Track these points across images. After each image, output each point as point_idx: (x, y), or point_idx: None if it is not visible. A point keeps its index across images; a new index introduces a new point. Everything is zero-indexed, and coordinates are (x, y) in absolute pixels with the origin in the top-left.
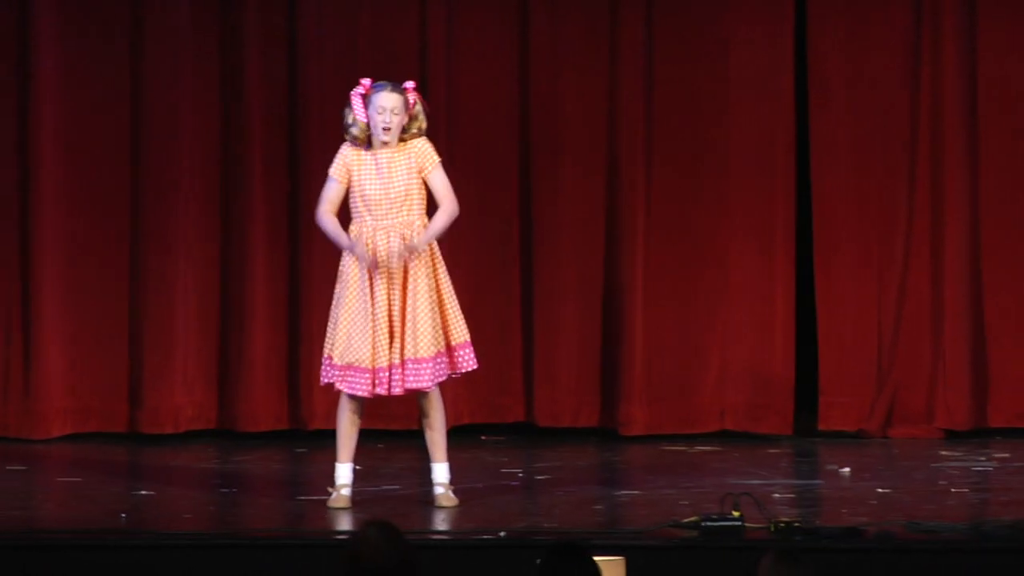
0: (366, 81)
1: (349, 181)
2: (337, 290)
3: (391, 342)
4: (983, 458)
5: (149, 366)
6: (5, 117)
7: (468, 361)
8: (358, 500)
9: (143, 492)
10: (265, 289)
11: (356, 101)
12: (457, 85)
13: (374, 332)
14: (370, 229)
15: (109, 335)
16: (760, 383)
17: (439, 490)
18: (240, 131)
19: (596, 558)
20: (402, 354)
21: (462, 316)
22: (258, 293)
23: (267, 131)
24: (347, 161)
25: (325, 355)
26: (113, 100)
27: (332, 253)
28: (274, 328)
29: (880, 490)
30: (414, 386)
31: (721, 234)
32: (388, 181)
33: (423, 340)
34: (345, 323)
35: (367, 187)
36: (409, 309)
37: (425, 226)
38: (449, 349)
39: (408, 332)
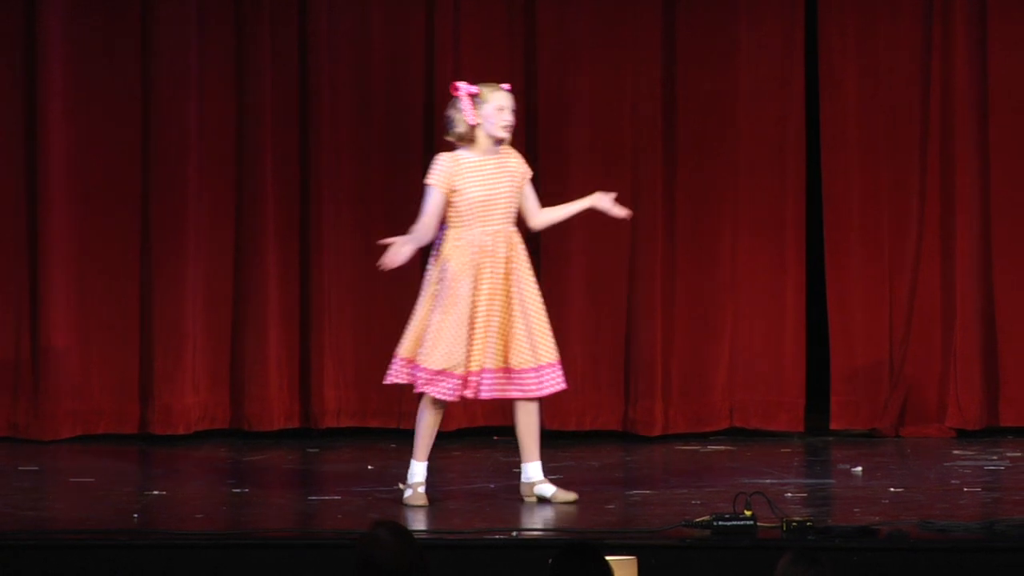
0: (461, 84)
1: (450, 190)
2: (430, 292)
3: (486, 347)
4: (995, 457)
5: (160, 367)
6: (14, 116)
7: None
8: (371, 500)
9: (155, 492)
10: (276, 288)
11: (466, 103)
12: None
13: (473, 338)
14: (478, 234)
15: (120, 336)
16: (771, 381)
17: (552, 489)
18: (251, 130)
19: (608, 558)
20: (507, 361)
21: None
22: (269, 292)
23: (278, 129)
24: (449, 171)
25: (402, 356)
26: (123, 100)
27: (344, 251)
28: (285, 327)
29: (892, 489)
30: (519, 395)
31: (732, 232)
32: (496, 185)
33: (539, 348)
34: (446, 328)
35: (476, 193)
36: (519, 317)
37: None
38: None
39: (517, 340)
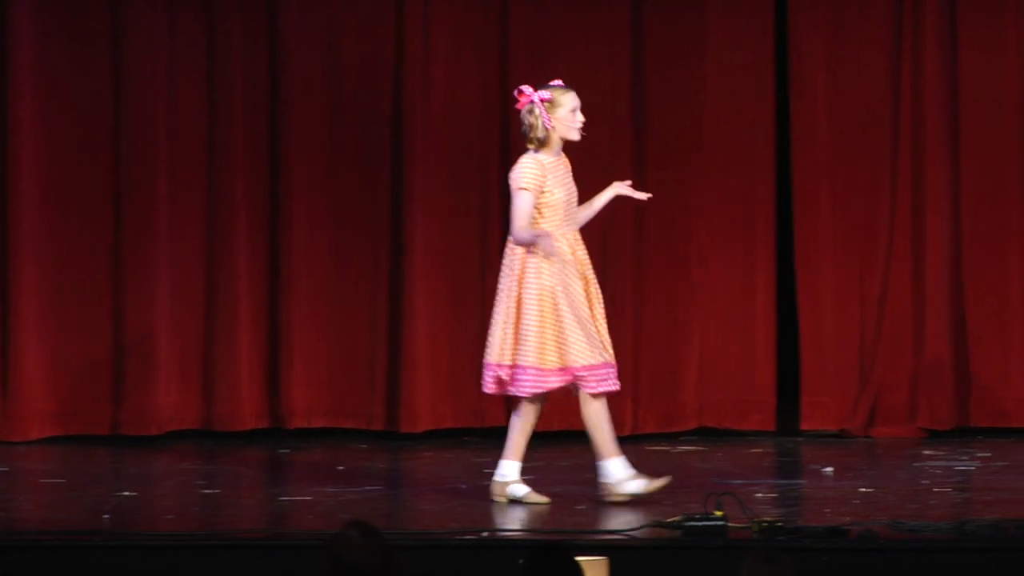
0: (527, 88)
1: (540, 191)
2: (548, 296)
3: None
4: (965, 457)
5: (131, 367)
6: None
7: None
8: (341, 501)
9: (126, 493)
10: (247, 288)
11: (541, 108)
12: (435, 82)
13: (598, 328)
14: (565, 232)
15: (91, 337)
16: (741, 382)
17: (524, 489)
18: (222, 130)
19: (579, 558)
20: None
21: None
22: (240, 292)
23: (249, 130)
24: (539, 173)
25: (528, 366)
26: (93, 100)
27: (315, 251)
28: (256, 327)
29: (863, 490)
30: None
31: (702, 232)
32: (570, 185)
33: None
34: (582, 324)
35: (561, 193)
36: (599, 313)
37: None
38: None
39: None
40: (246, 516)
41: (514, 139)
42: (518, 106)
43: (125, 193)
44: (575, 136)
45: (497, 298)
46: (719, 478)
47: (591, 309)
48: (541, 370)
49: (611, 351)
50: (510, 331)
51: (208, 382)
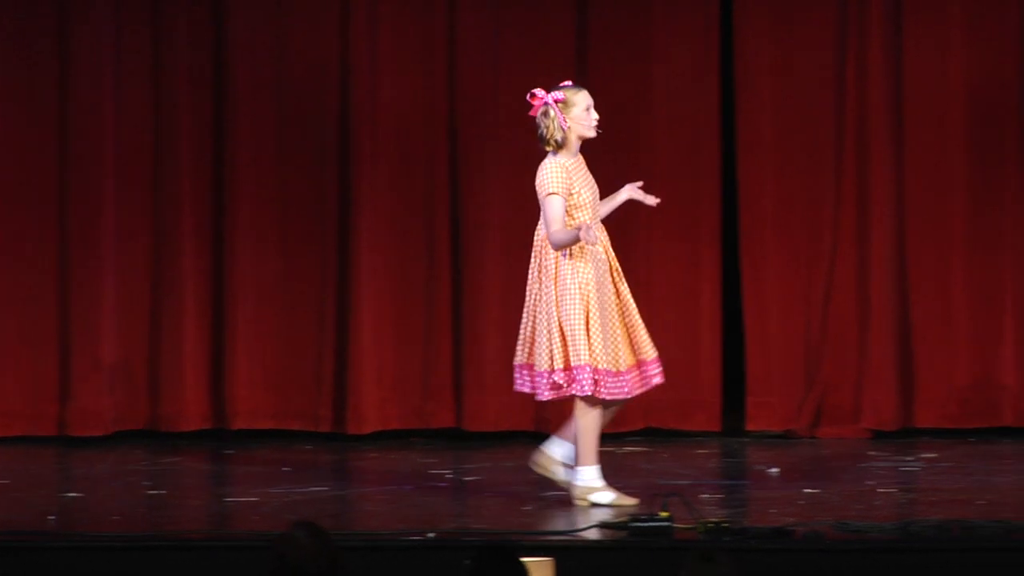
0: (539, 91)
1: (568, 194)
2: (583, 295)
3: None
4: (910, 458)
5: (77, 368)
6: None
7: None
8: (286, 502)
9: (72, 494)
10: (193, 289)
11: (556, 110)
12: (382, 83)
13: (626, 331)
14: (598, 231)
15: (36, 337)
16: (687, 382)
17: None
18: (168, 132)
19: (524, 559)
20: (639, 354)
21: None
22: (186, 292)
23: (194, 131)
24: (565, 176)
25: (584, 365)
26: (39, 101)
27: (259, 254)
28: (201, 328)
29: (808, 490)
30: (655, 383)
31: (646, 232)
32: (593, 184)
33: (649, 340)
34: (605, 329)
35: (588, 193)
36: (631, 310)
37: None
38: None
39: (639, 332)
40: (192, 517)
41: (462, 141)
42: (531, 112)
43: (72, 194)
44: (591, 134)
45: (533, 304)
46: (664, 479)
47: (623, 308)
48: (594, 368)
49: (647, 350)
50: (556, 336)
51: (153, 383)
